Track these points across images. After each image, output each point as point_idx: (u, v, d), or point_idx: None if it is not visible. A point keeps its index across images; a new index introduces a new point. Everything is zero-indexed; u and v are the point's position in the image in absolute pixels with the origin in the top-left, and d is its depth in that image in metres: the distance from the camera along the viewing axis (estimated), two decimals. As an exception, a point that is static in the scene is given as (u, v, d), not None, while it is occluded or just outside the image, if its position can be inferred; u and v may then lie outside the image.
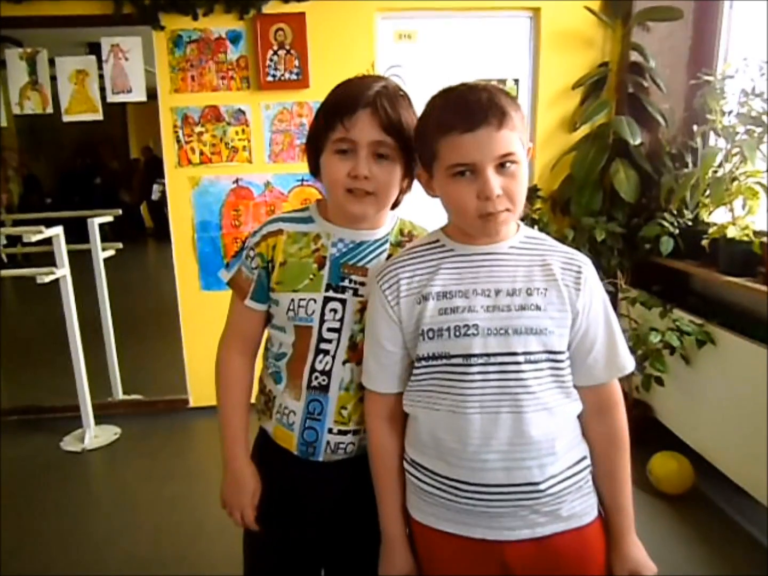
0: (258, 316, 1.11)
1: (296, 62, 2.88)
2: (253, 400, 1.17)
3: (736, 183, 2.25)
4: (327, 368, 1.04)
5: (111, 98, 2.92)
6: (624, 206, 2.82)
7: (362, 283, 1.04)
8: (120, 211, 3.37)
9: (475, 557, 0.94)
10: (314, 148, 1.04)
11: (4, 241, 5.16)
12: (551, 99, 2.97)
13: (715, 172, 2.32)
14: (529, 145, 0.94)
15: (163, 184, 3.06)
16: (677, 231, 2.55)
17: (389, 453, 1.00)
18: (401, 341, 0.96)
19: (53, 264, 2.73)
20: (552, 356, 0.91)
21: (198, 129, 2.93)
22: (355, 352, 1.04)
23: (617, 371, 0.96)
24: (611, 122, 2.82)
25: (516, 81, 3.01)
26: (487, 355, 0.89)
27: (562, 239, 1.00)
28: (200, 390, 3.15)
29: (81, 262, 3.07)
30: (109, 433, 2.96)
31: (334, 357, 1.04)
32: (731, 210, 2.31)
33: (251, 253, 1.07)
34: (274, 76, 2.89)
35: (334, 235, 1.06)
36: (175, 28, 2.84)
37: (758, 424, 1.98)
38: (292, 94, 2.92)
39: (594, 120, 2.88)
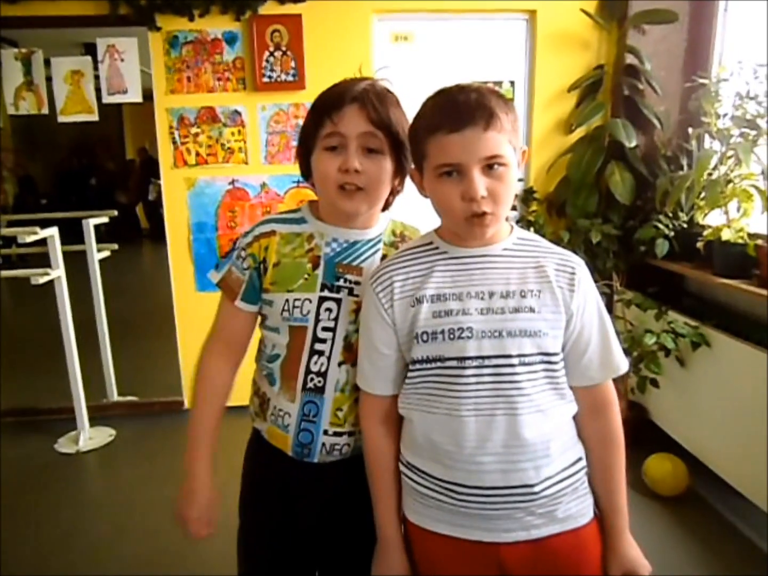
0: (247, 318, 1.09)
1: (292, 63, 2.88)
2: (245, 402, 1.17)
3: (730, 185, 2.26)
4: (322, 370, 1.04)
5: (107, 99, 2.91)
6: (619, 208, 2.83)
7: (357, 283, 1.04)
8: (115, 212, 3.36)
9: (471, 559, 0.94)
10: (305, 150, 1.05)
11: (-1, 242, 5.13)
12: (547, 101, 2.98)
13: (710, 174, 2.33)
14: (524, 148, 0.94)
15: (159, 184, 3.06)
16: (672, 233, 2.55)
17: (385, 455, 1.00)
18: (395, 344, 0.96)
19: (48, 265, 2.72)
20: (546, 358, 0.91)
21: (194, 130, 2.93)
22: (351, 353, 1.03)
23: (612, 372, 0.96)
24: (607, 125, 2.83)
25: (512, 83, 3.02)
26: (482, 357, 0.89)
27: (557, 241, 1.00)
28: (191, 388, 3.14)
29: (76, 263, 3.06)
30: (104, 434, 2.95)
31: (329, 358, 1.03)
32: (726, 212, 2.32)
33: (243, 254, 1.07)
34: (270, 77, 2.89)
35: (327, 234, 1.06)
36: (171, 28, 2.84)
37: (753, 425, 1.99)
38: (288, 95, 2.92)
39: (590, 122, 2.89)
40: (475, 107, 0.86)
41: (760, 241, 2.13)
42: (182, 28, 2.84)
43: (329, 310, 1.03)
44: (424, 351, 0.92)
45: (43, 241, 2.72)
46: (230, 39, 2.88)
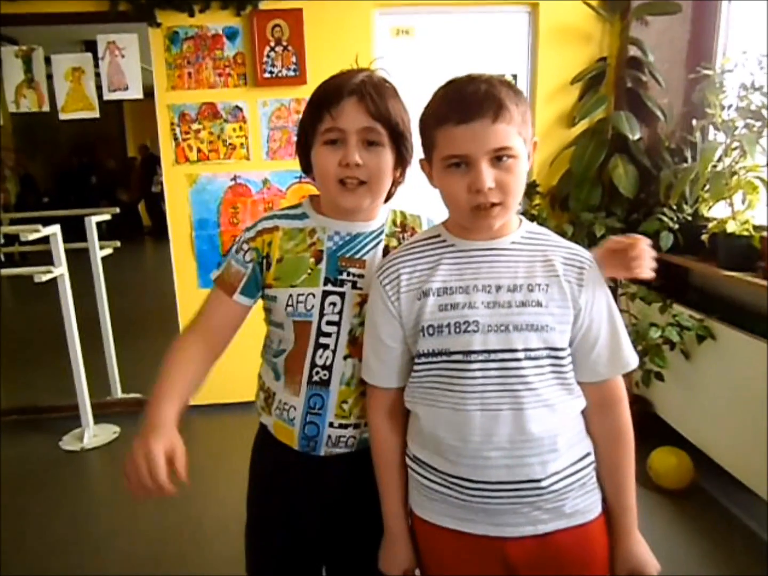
0: (239, 312, 1.06)
1: (293, 59, 2.87)
2: (250, 398, 1.17)
3: (735, 177, 2.25)
4: (328, 363, 1.03)
5: (107, 96, 2.90)
6: (623, 201, 2.82)
7: (361, 276, 1.03)
8: (117, 210, 3.36)
9: (477, 553, 0.93)
10: (304, 146, 1.04)
11: (1, 240, 5.13)
12: (550, 94, 2.96)
13: (715, 166, 2.31)
14: (535, 140, 0.93)
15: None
16: (677, 226, 2.54)
17: (391, 448, 1.00)
18: (401, 337, 0.96)
19: (51, 263, 2.72)
20: (553, 353, 0.90)
21: (195, 126, 2.92)
22: (356, 347, 1.03)
23: (621, 368, 0.95)
24: (610, 117, 2.81)
25: (514, 76, 3.00)
26: (488, 351, 0.88)
27: (561, 235, 0.99)
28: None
29: (79, 261, 3.06)
30: (108, 432, 2.95)
31: (334, 351, 1.03)
32: (731, 204, 2.30)
33: (245, 247, 1.05)
34: (271, 72, 2.88)
35: (329, 228, 1.05)
36: (171, 24, 2.83)
37: (758, 418, 1.98)
38: (289, 90, 2.91)
39: (592, 115, 2.87)
40: (484, 98, 0.85)
41: (765, 233, 2.12)
42: (182, 23, 2.83)
43: (333, 304, 1.03)
44: (429, 344, 0.92)
45: (45, 239, 2.72)
46: (231, 34, 2.86)
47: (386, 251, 1.05)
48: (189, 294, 3.06)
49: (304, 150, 1.05)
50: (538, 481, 0.89)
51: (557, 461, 0.90)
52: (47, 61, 2.89)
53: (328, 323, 1.03)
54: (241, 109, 2.92)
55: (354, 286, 1.03)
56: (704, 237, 2.34)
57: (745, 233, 2.17)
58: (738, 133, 2.25)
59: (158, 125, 2.93)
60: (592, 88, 2.92)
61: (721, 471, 2.21)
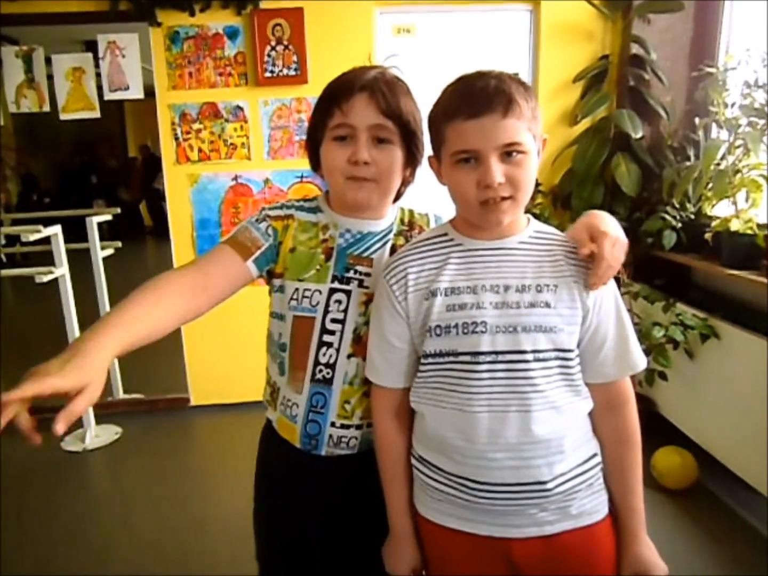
0: (243, 277, 0.99)
1: (294, 58, 2.86)
2: (255, 398, 1.16)
3: (739, 175, 2.24)
4: (331, 361, 1.02)
5: (108, 96, 2.89)
6: (625, 200, 2.80)
7: (368, 274, 1.02)
8: (119, 210, 3.36)
9: (482, 554, 0.92)
10: (313, 141, 1.03)
11: (3, 241, 5.14)
12: (551, 93, 2.95)
13: (718, 164, 2.30)
14: (544, 136, 0.92)
15: (163, 180, 3.05)
16: (679, 225, 2.53)
17: (396, 448, 0.99)
18: (408, 337, 0.95)
19: (52, 263, 2.72)
20: (561, 354, 0.89)
21: (196, 126, 2.92)
22: (360, 346, 1.02)
23: (629, 369, 0.94)
24: (612, 115, 2.80)
25: (516, 75, 2.99)
26: (496, 352, 0.87)
27: (564, 234, 0.98)
28: (201, 388, 3.14)
29: (80, 261, 3.06)
30: (110, 432, 2.95)
31: (338, 350, 1.02)
32: (734, 203, 2.29)
33: (267, 221, 1.02)
34: (272, 72, 2.87)
35: (341, 225, 1.04)
36: (171, 24, 2.82)
37: (762, 418, 1.97)
38: (290, 89, 2.90)
39: (595, 113, 2.86)
40: (494, 93, 0.84)
41: (769, 232, 2.11)
42: (183, 23, 2.82)
43: (339, 301, 1.02)
44: (436, 345, 0.91)
45: (46, 240, 2.71)
46: (231, 34, 2.86)
47: (394, 250, 1.04)
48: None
49: (313, 146, 1.03)
50: (544, 482, 0.88)
51: (563, 462, 0.89)
52: (48, 61, 2.88)
53: (333, 321, 1.02)
54: (242, 109, 2.92)
55: (360, 284, 1.02)
56: (707, 235, 2.33)
57: (749, 232, 2.16)
58: (741, 131, 2.25)
59: (159, 125, 2.92)
60: (594, 86, 2.91)
61: (725, 470, 2.20)
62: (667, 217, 2.54)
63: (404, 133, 0.98)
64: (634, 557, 0.94)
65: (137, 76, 2.87)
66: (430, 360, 0.93)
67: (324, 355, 1.02)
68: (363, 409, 1.04)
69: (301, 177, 2.98)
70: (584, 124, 2.92)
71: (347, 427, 1.04)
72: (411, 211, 1.11)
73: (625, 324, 0.94)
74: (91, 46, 2.89)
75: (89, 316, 3.09)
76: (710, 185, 2.39)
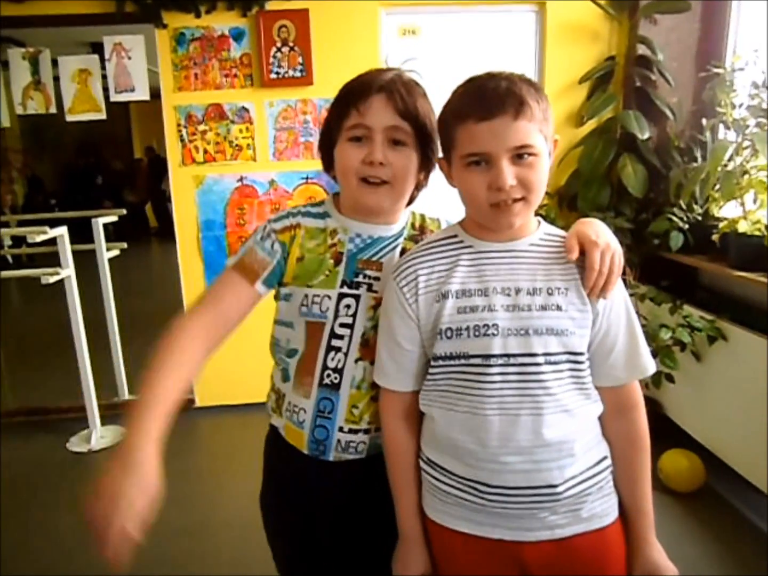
0: (254, 300, 1.01)
1: (300, 59, 2.86)
2: (258, 400, 1.16)
3: (746, 176, 2.23)
4: (339, 366, 1.02)
5: (114, 97, 2.90)
6: (632, 201, 2.79)
7: (377, 278, 1.02)
8: (124, 211, 3.37)
9: (493, 558, 0.92)
10: (327, 142, 1.02)
11: (9, 242, 5.16)
12: (557, 94, 2.94)
13: (725, 165, 2.29)
14: (555, 138, 0.91)
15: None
16: (686, 226, 2.52)
17: (405, 451, 0.98)
18: (419, 340, 0.94)
19: (58, 264, 2.72)
20: (572, 357, 0.88)
21: (202, 127, 2.92)
22: (368, 350, 1.01)
23: (638, 372, 0.93)
24: (618, 116, 2.79)
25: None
26: (507, 355, 0.87)
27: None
28: (206, 389, 3.14)
29: (85, 263, 3.06)
30: (116, 433, 2.94)
31: (346, 354, 1.01)
32: (742, 204, 2.28)
33: (273, 236, 1.01)
34: (277, 73, 2.87)
35: (350, 230, 1.03)
36: (177, 25, 2.83)
37: (771, 420, 1.96)
38: (295, 91, 2.90)
39: (601, 114, 2.85)
40: (505, 95, 0.83)
41: (777, 233, 2.10)
42: (189, 24, 2.83)
43: (348, 306, 1.01)
44: (447, 347, 0.90)
45: (52, 241, 2.72)
46: (237, 35, 2.86)
47: (403, 254, 1.03)
48: (196, 295, 3.04)
49: (327, 147, 1.02)
50: (556, 486, 0.87)
51: (574, 466, 0.88)
52: (54, 63, 2.89)
53: (342, 325, 1.01)
54: (247, 110, 2.92)
55: (369, 288, 1.01)
56: (715, 237, 2.32)
57: (757, 233, 2.15)
58: (749, 131, 2.23)
59: (165, 126, 2.92)
60: (601, 87, 2.90)
61: (732, 473, 2.19)
62: (674, 218, 2.53)
63: (420, 135, 0.97)
64: (645, 560, 0.94)
65: (143, 77, 2.88)
66: (440, 363, 0.92)
67: (332, 359, 1.01)
68: (371, 413, 1.03)
69: (307, 178, 2.98)
70: (590, 125, 2.91)
71: (355, 431, 1.03)
72: (423, 216, 1.10)
73: (635, 328, 0.93)
74: (97, 48, 2.90)
75: (95, 317, 3.12)
76: (717, 186, 2.38)
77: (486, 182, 0.85)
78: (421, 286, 0.92)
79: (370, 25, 2.86)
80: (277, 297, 1.07)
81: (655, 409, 2.62)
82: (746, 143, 2.24)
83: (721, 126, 2.49)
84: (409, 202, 1.07)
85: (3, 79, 2.93)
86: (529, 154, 0.85)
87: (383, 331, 0.97)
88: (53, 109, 2.94)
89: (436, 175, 1.02)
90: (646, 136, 2.67)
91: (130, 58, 2.87)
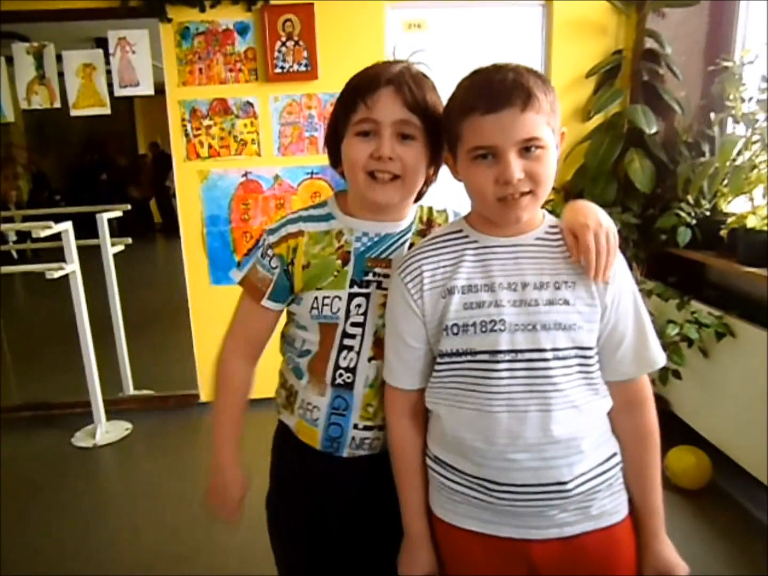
0: (271, 317, 1.06)
1: (305, 54, 2.85)
2: (265, 395, 1.15)
3: (756, 171, 2.20)
4: (352, 365, 1.01)
5: (118, 92, 2.89)
6: (639, 197, 2.77)
7: (386, 276, 1.00)
8: (129, 206, 3.36)
9: (501, 556, 0.91)
10: (334, 137, 1.00)
11: (14, 237, 5.17)
12: (564, 88, 2.92)
13: (734, 160, 2.27)
14: (563, 130, 0.89)
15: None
16: (694, 221, 2.50)
17: (412, 450, 0.97)
18: (424, 336, 0.93)
19: (62, 260, 2.72)
20: (581, 352, 0.87)
21: (206, 122, 2.91)
22: (380, 348, 1.00)
23: (647, 366, 0.92)
24: (626, 111, 2.77)
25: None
26: (515, 351, 0.86)
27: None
28: (211, 385, 3.13)
29: (90, 258, 3.07)
30: (121, 428, 2.95)
31: (359, 353, 1.00)
32: (751, 199, 2.26)
33: (270, 252, 1.02)
34: (282, 68, 2.86)
35: (357, 229, 1.01)
36: (182, 20, 2.81)
37: (780, 417, 1.94)
38: (300, 85, 2.89)
39: (608, 109, 2.83)
40: (512, 87, 0.82)
41: (786, 228, 2.08)
42: (193, 19, 2.81)
43: (359, 305, 1.00)
44: (453, 344, 0.89)
45: (57, 236, 2.72)
46: (242, 29, 2.85)
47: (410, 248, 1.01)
48: (200, 290, 3.05)
49: (334, 141, 1.00)
50: (565, 483, 0.86)
51: (583, 463, 0.87)
52: (58, 58, 2.89)
53: (353, 325, 1.00)
54: (252, 105, 2.91)
55: (379, 286, 1.00)
56: (723, 232, 2.30)
57: (766, 228, 2.13)
58: (759, 125, 2.21)
59: (169, 121, 2.92)
60: (608, 81, 2.88)
61: (740, 470, 2.18)
62: (682, 213, 2.51)
63: (430, 129, 0.95)
64: (655, 557, 0.93)
65: (147, 72, 2.87)
66: (446, 359, 0.91)
67: (345, 359, 1.01)
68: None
69: (311, 173, 2.96)
70: (597, 119, 2.89)
71: (370, 428, 1.03)
72: (430, 209, 1.08)
73: (644, 321, 0.91)
74: (102, 43, 2.89)
75: (100, 312, 3.12)
76: (726, 181, 2.36)
77: (493, 176, 0.84)
78: (426, 281, 0.91)
79: (375, 20, 2.84)
80: (289, 303, 1.06)
81: (661, 405, 2.57)
82: (755, 137, 2.22)
83: (730, 120, 2.47)
84: (418, 198, 1.05)
85: (7, 74, 2.93)
86: (537, 147, 0.84)
87: (389, 327, 0.96)
88: (58, 104, 2.93)
89: (443, 168, 1.00)
90: (653, 130, 2.65)
91: (134, 52, 2.86)
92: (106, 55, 2.86)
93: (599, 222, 0.88)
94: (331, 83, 2.85)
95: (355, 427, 1.02)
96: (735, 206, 2.44)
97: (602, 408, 0.91)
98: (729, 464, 2.23)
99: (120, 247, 3.28)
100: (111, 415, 2.99)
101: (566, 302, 0.86)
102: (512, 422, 0.85)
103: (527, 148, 0.83)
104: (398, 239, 1.03)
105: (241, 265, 1.06)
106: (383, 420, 1.02)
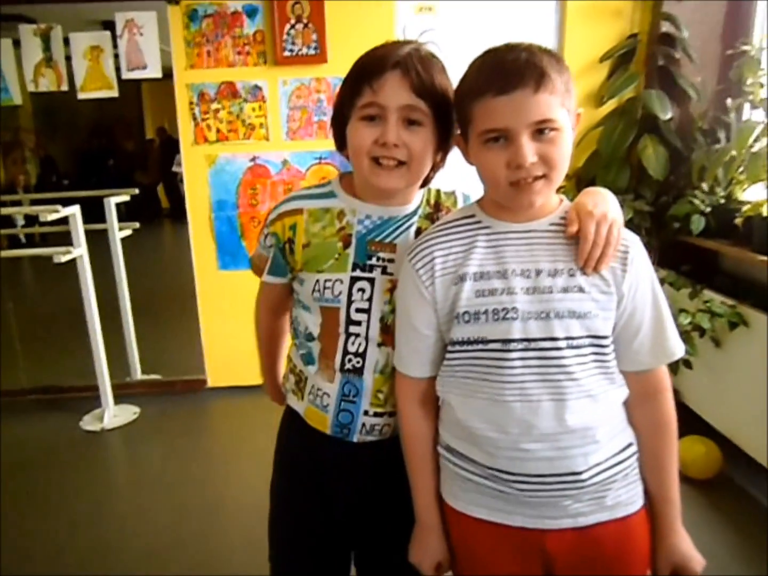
0: (279, 287, 1.09)
1: (314, 36, 2.81)
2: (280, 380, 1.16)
3: (773, 158, 2.16)
4: (360, 350, 0.99)
5: (126, 75, 2.87)
6: (652, 184, 2.72)
7: (391, 260, 0.98)
8: (137, 190, 3.35)
9: (515, 546, 0.90)
10: (340, 120, 0.97)
11: (22, 222, 5.18)
12: (577, 72, 2.86)
13: (751, 147, 2.23)
14: (578, 111, 0.86)
15: (181, 162, 3.03)
16: (708, 209, 2.46)
17: (423, 438, 0.96)
18: (435, 324, 0.91)
19: (70, 244, 2.71)
20: (596, 341, 0.85)
21: (214, 106, 2.88)
22: (389, 335, 0.98)
23: (665, 357, 0.90)
24: (640, 96, 2.71)
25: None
26: (527, 340, 0.84)
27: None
28: (218, 370, 3.14)
29: (98, 243, 3.06)
30: (128, 412, 2.96)
31: (367, 339, 0.99)
32: (768, 187, 2.22)
33: (266, 231, 1.05)
34: (291, 50, 2.82)
35: (360, 211, 1.00)
36: (190, 2, 2.78)
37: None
38: (309, 69, 2.85)
39: (622, 94, 2.77)
40: (525, 67, 0.79)
41: (804, 217, 2.04)
42: (202, 1, 2.78)
43: (362, 290, 0.98)
44: (465, 332, 0.87)
45: (65, 221, 2.71)
46: (250, 12, 2.81)
47: (418, 234, 0.99)
48: (208, 275, 3.04)
49: (339, 125, 0.98)
50: (579, 473, 0.85)
51: (599, 453, 0.86)
52: (65, 41, 2.86)
53: (358, 311, 0.98)
54: (260, 89, 2.87)
55: (384, 271, 0.98)
56: (738, 221, 2.26)
57: (783, 217, 2.09)
58: (777, 111, 2.17)
59: (177, 105, 2.89)
60: (622, 65, 2.82)
61: (750, 460, 2.16)
62: (696, 201, 2.46)
63: (437, 114, 0.92)
64: (671, 549, 0.91)
65: (155, 54, 2.84)
66: (457, 348, 0.89)
67: (353, 344, 0.99)
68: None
69: (320, 158, 2.94)
70: (610, 105, 2.83)
71: (380, 414, 1.01)
72: (438, 192, 1.06)
73: (663, 310, 0.89)
74: (109, 26, 2.86)
75: (108, 296, 3.12)
76: (742, 169, 2.32)
77: (505, 160, 0.81)
78: (437, 268, 0.89)
79: (386, 3, 2.79)
80: (293, 282, 1.07)
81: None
82: (773, 124, 2.18)
83: (747, 106, 2.42)
84: (425, 183, 1.03)
85: (14, 56, 2.91)
86: (551, 129, 0.81)
87: (399, 315, 0.95)
88: (65, 87, 2.91)
89: (454, 151, 0.98)
90: (668, 116, 2.59)
91: (142, 34, 2.83)
92: (114, 37, 2.83)
93: (605, 214, 0.86)
94: (340, 67, 2.79)
95: (366, 413, 1.01)
96: (751, 194, 2.40)
97: (618, 397, 0.89)
98: (739, 454, 2.21)
99: (127, 232, 3.27)
100: (119, 399, 3.00)
101: (581, 290, 0.84)
102: (525, 412, 0.84)
103: (541, 130, 0.81)
104: (403, 223, 1.01)
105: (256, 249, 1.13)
106: (394, 407, 1.01)
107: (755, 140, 2.21)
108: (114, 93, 2.91)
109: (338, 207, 1.01)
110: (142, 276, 3.85)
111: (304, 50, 2.82)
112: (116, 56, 2.86)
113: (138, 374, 3.28)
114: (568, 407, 0.83)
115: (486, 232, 0.89)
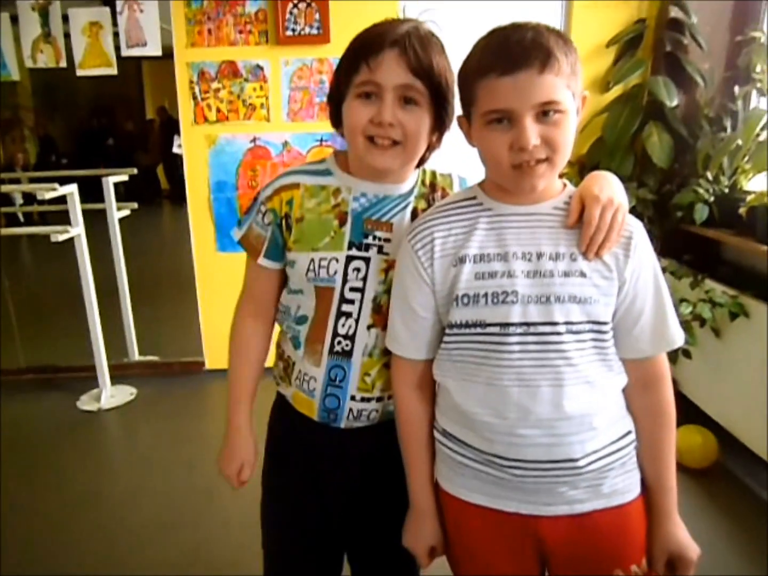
0: (273, 275, 1.05)
1: (316, 16, 2.76)
2: (269, 365, 1.13)
3: (780, 148, 2.14)
4: (350, 333, 0.98)
5: (126, 52, 2.83)
6: (656, 172, 2.71)
7: (387, 240, 0.97)
8: (135, 170, 3.32)
9: (509, 531, 0.89)
10: (336, 97, 0.96)
11: (20, 200, 5.14)
12: (583, 57, 2.73)
13: (758, 135, 2.20)
14: (584, 94, 0.84)
15: (180, 142, 3.00)
16: (712, 198, 2.43)
17: (419, 422, 0.95)
18: (433, 306, 0.90)
19: (69, 223, 2.69)
20: (595, 327, 0.84)
21: (215, 85, 2.85)
22: (380, 316, 0.97)
23: (665, 345, 0.88)
24: (646, 82, 2.69)
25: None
26: (527, 324, 0.82)
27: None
28: (216, 352, 3.14)
29: (97, 223, 3.04)
30: (125, 393, 2.96)
31: (357, 320, 0.98)
32: (774, 176, 2.20)
33: (263, 208, 1.00)
34: (293, 30, 2.78)
35: (355, 188, 0.98)
36: (191, -22, 2.73)
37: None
38: (311, 49, 2.82)
39: (628, 80, 2.75)
40: (531, 47, 0.77)
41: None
42: (203, -23, 2.73)
43: (357, 269, 0.97)
44: (463, 315, 0.86)
45: (63, 200, 2.69)
46: (252, -11, 2.76)
47: (414, 214, 0.98)
48: (206, 257, 3.03)
49: (335, 102, 0.97)
50: (576, 460, 0.84)
51: (596, 440, 0.85)
52: (64, 18, 2.82)
53: (352, 290, 0.97)
54: (261, 68, 2.84)
55: (380, 250, 0.97)
56: (742, 210, 2.24)
57: (788, 207, 2.07)
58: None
59: (177, 83, 2.86)
60: (629, 51, 2.78)
61: (746, 450, 2.16)
62: (700, 190, 2.44)
63: (434, 94, 0.91)
64: (667, 537, 0.91)
65: (155, 32, 2.80)
66: (455, 331, 0.88)
67: (343, 326, 0.98)
68: (384, 381, 1.00)
69: (321, 140, 2.91)
70: (616, 90, 2.80)
71: (368, 400, 1.00)
72: (433, 172, 1.05)
73: (664, 298, 0.88)
74: (109, 2, 2.81)
75: (106, 277, 3.10)
76: (748, 158, 2.29)
77: (508, 141, 0.80)
78: (437, 249, 0.87)
79: (390, -18, 2.75)
80: (284, 264, 1.04)
81: (669, 385, 2.57)
82: (782, 113, 2.15)
83: (755, 94, 2.38)
84: (420, 163, 1.01)
85: (12, 33, 2.86)
86: (556, 111, 0.79)
87: (396, 296, 0.93)
88: (63, 63, 2.87)
89: (456, 133, 0.95)
90: (674, 103, 2.57)
91: (142, 11, 2.79)
92: (114, 14, 2.79)
93: (611, 199, 0.84)
94: (343, 48, 2.73)
95: (353, 398, 1.00)
96: (755, 184, 2.37)
97: (617, 385, 0.88)
98: (735, 444, 2.21)
99: (126, 212, 3.25)
100: (116, 379, 3.00)
101: (582, 274, 0.83)
102: (523, 397, 0.83)
103: (545, 112, 0.79)
104: (399, 202, 0.99)
105: (241, 223, 1.05)
106: (381, 392, 1.00)
107: (762, 129, 2.19)
108: (113, 70, 2.87)
109: (334, 185, 0.99)
110: (140, 257, 3.84)
111: (307, 30, 2.78)
112: (116, 35, 2.82)
113: (135, 355, 3.28)
114: (566, 393, 0.82)
115: (488, 214, 0.88)
